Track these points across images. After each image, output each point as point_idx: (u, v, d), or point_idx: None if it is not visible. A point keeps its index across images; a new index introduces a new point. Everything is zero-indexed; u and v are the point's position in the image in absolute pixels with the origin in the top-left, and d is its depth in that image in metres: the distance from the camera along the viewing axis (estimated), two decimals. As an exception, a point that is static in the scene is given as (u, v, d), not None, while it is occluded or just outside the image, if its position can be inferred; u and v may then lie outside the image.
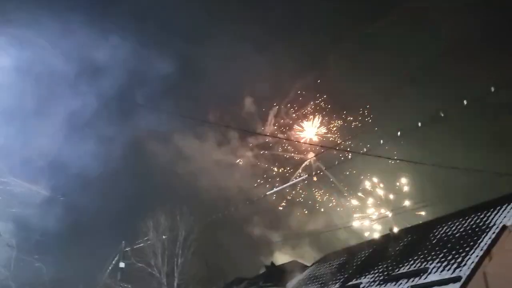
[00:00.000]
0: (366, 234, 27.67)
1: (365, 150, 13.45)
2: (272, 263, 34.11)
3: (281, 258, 31.98)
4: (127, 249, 22.11)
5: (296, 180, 24.09)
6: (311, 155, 28.73)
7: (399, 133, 12.43)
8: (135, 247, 22.58)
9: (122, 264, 21.72)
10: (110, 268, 22.91)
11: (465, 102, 10.37)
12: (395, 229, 21.18)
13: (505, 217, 15.32)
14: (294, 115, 30.86)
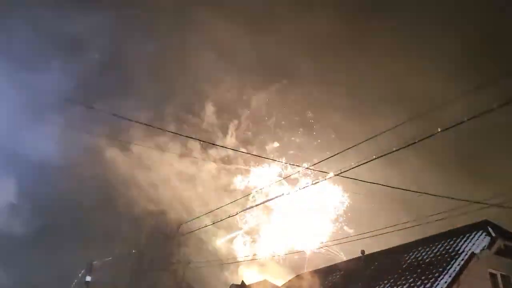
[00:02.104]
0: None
1: (340, 170, 13.48)
2: (242, 282, 33.73)
3: (250, 276, 31.65)
4: (94, 262, 21.54)
5: (271, 198, 23.91)
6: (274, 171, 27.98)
7: (374, 157, 12.55)
8: (103, 260, 22.01)
9: (88, 278, 21.08)
10: (75, 281, 22.26)
11: (439, 129, 10.60)
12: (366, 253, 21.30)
13: (473, 244, 15.70)
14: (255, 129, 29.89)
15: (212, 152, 28.34)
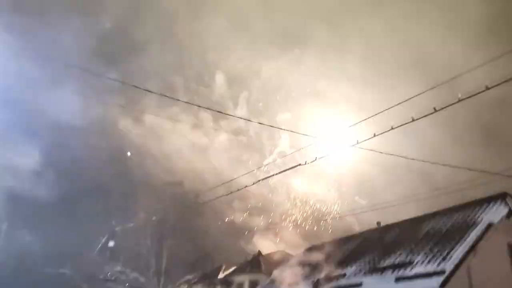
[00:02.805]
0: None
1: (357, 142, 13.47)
2: (259, 252, 34.45)
3: (268, 247, 32.26)
4: (117, 228, 22.29)
5: (286, 169, 24.02)
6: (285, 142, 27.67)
7: (392, 126, 12.47)
8: (125, 226, 22.76)
9: (111, 243, 21.87)
10: (99, 246, 23.12)
11: (459, 98, 10.47)
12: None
13: (491, 215, 15.70)
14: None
15: (224, 123, 28.49)
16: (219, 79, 29.85)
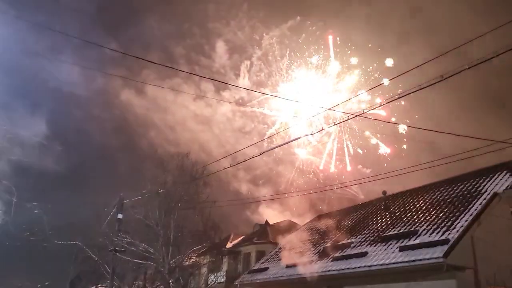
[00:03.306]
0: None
1: (363, 111, 13.35)
2: (266, 222, 34.84)
3: (274, 216, 32.59)
4: (125, 200, 22.51)
5: (293, 139, 23.93)
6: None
7: (399, 91, 12.28)
8: (133, 199, 22.97)
9: (120, 216, 22.14)
10: (108, 218, 23.45)
11: (466, 66, 10.23)
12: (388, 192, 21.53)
13: (496, 184, 15.68)
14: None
15: (226, 94, 28.23)
16: (220, 49, 29.42)
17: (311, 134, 22.52)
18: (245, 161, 20.00)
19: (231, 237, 35.65)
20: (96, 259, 25.26)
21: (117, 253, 21.40)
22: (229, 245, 34.12)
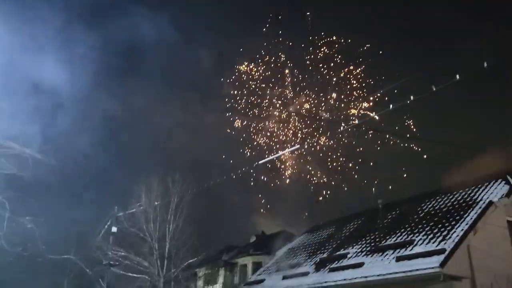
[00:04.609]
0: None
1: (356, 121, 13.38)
2: (263, 232, 34.71)
3: (270, 227, 32.49)
4: (119, 214, 22.33)
5: (288, 150, 23.96)
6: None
7: (391, 106, 12.40)
8: (127, 212, 22.81)
9: (114, 229, 21.92)
10: (102, 232, 23.22)
11: (457, 76, 10.34)
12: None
13: (491, 193, 15.69)
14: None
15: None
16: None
17: (306, 146, 22.62)
18: (241, 171, 19.99)
19: (227, 249, 35.45)
20: (90, 273, 24.97)
21: (111, 267, 21.18)
22: (225, 256, 33.91)
